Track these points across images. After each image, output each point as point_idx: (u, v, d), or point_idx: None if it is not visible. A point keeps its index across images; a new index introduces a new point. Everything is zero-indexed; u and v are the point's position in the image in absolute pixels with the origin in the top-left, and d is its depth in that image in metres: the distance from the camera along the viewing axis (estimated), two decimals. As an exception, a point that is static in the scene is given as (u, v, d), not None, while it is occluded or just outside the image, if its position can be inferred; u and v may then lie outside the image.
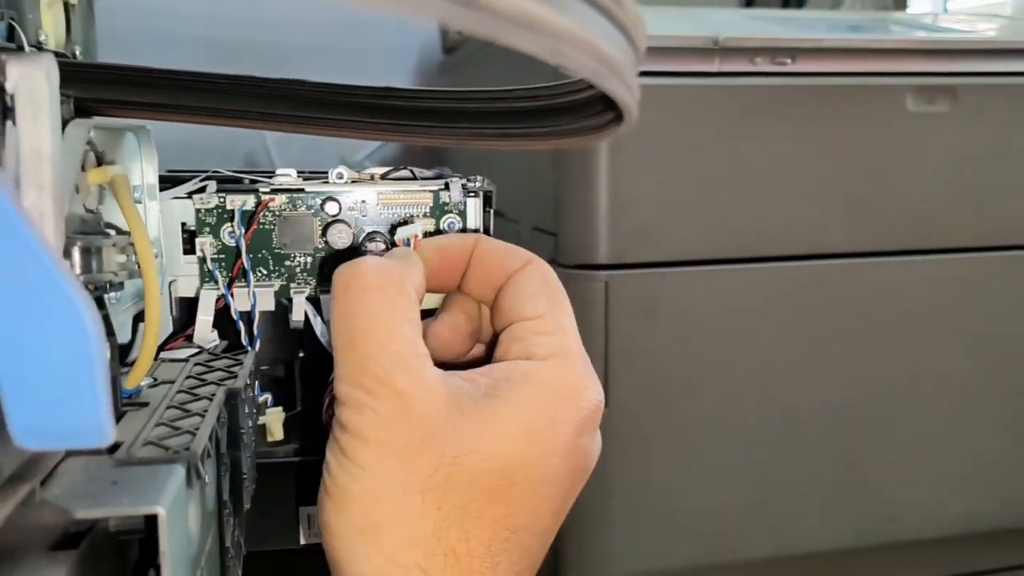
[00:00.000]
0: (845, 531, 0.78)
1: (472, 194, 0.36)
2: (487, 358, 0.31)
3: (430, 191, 0.35)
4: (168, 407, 0.27)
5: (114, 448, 0.24)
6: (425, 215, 0.35)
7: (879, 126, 0.71)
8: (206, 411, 0.27)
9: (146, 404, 0.28)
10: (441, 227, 0.36)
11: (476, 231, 0.36)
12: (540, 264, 0.31)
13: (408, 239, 0.30)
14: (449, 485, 0.26)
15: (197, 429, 0.25)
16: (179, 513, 0.22)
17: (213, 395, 0.28)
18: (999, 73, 0.73)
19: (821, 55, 0.71)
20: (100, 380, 0.16)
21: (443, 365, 0.28)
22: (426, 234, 0.33)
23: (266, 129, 0.30)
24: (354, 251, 0.35)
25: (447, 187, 0.35)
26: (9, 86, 0.22)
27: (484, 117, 0.27)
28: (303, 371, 0.39)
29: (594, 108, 0.24)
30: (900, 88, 0.71)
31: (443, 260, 0.31)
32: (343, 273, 0.27)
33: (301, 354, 0.39)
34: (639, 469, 0.72)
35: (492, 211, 0.36)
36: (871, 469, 0.77)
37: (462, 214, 0.36)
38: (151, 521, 0.22)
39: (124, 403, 0.27)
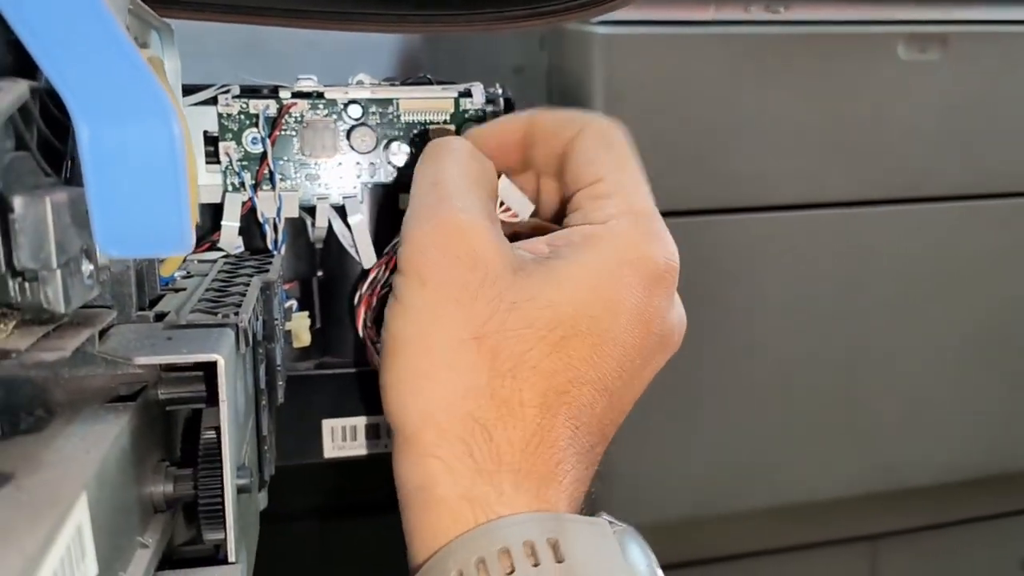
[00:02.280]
0: (841, 481, 0.79)
1: (492, 102, 0.36)
2: None
3: (451, 97, 0.35)
4: (205, 291, 0.27)
5: (160, 317, 0.24)
6: (445, 122, 0.36)
7: (871, 74, 0.72)
8: (243, 295, 0.27)
9: (183, 290, 0.28)
10: (462, 134, 0.36)
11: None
12: (599, 126, 0.30)
13: None
14: (506, 332, 0.25)
15: (238, 305, 0.25)
16: (233, 370, 0.22)
17: (247, 284, 0.28)
18: (989, 21, 0.73)
19: (815, 3, 0.71)
20: (184, 186, 0.16)
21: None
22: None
23: (290, 26, 0.30)
24: (375, 155, 0.35)
25: (468, 93, 0.35)
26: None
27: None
28: (321, 289, 0.39)
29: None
30: (892, 36, 0.72)
31: (498, 140, 0.30)
32: (434, 142, 0.29)
33: (320, 273, 0.39)
34: (637, 423, 0.72)
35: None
36: (867, 419, 0.78)
37: (482, 121, 0.36)
38: (204, 378, 0.22)
39: (161, 289, 0.27)
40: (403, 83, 0.35)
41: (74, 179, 0.22)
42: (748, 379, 0.74)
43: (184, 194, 0.16)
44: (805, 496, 0.78)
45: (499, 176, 0.30)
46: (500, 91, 0.36)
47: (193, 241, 0.17)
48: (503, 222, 0.30)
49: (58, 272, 0.18)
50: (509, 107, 0.36)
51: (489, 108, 0.36)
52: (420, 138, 0.36)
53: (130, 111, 0.16)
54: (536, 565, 0.23)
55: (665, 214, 0.75)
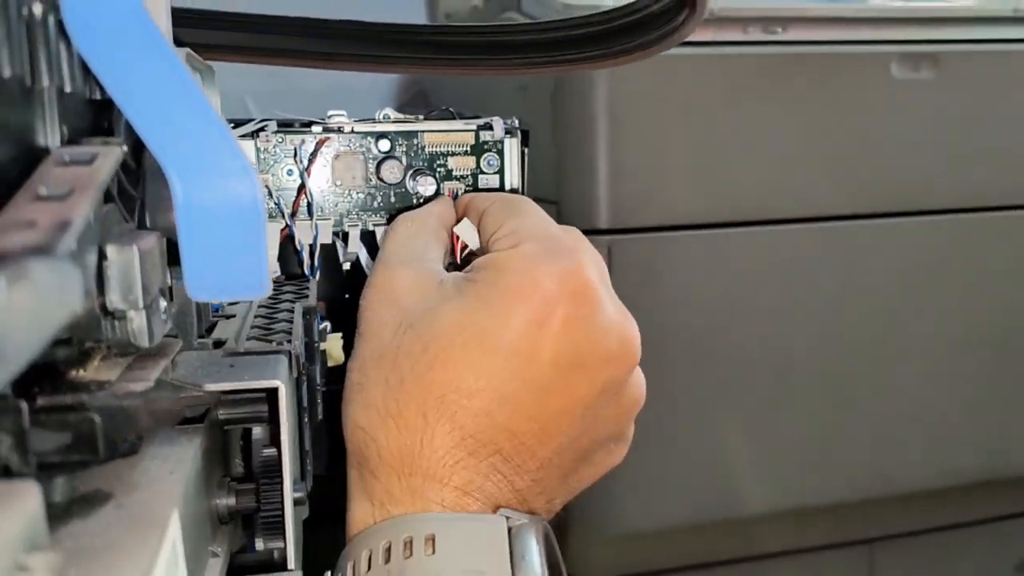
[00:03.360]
0: (839, 486, 0.81)
1: (510, 133, 0.38)
2: None
3: (471, 130, 0.37)
4: (254, 317, 0.29)
5: (218, 344, 0.26)
6: (466, 152, 0.38)
7: (866, 93, 0.75)
8: (290, 321, 0.29)
9: (233, 316, 0.30)
10: (481, 164, 0.38)
11: (513, 175, 0.39)
12: (507, 197, 0.35)
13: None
14: (399, 352, 0.29)
15: (289, 332, 0.28)
16: (291, 393, 0.24)
17: (290, 310, 0.31)
18: (980, 40, 0.76)
19: (811, 24, 0.74)
20: (264, 237, 0.18)
21: None
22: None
23: (327, 68, 0.32)
24: (402, 186, 0.37)
25: (488, 126, 0.37)
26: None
27: (573, 42, 0.30)
28: (349, 312, 0.41)
29: (669, 14, 0.27)
30: (886, 55, 0.74)
31: (456, 213, 0.36)
32: (396, 218, 0.35)
33: (347, 296, 0.41)
34: (642, 431, 0.74)
35: (526, 150, 0.39)
36: (862, 426, 0.80)
37: (500, 152, 0.38)
38: (267, 399, 0.24)
39: (213, 315, 0.29)
40: (426, 117, 0.38)
41: (144, 221, 0.24)
42: (745, 387, 0.76)
43: (264, 244, 0.18)
44: (803, 501, 0.80)
45: (459, 221, 0.35)
46: (516, 123, 0.38)
47: (271, 286, 0.19)
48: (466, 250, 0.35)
49: (144, 311, 0.20)
50: (525, 137, 0.38)
51: (507, 139, 0.38)
52: (442, 168, 0.38)
53: (217, 170, 0.18)
54: (408, 558, 0.26)
55: (669, 228, 0.77)
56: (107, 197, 0.21)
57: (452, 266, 0.35)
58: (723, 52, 0.72)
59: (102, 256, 0.19)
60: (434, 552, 0.26)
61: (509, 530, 0.27)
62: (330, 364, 0.37)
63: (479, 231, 0.34)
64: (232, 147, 0.18)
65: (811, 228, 0.76)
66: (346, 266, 0.40)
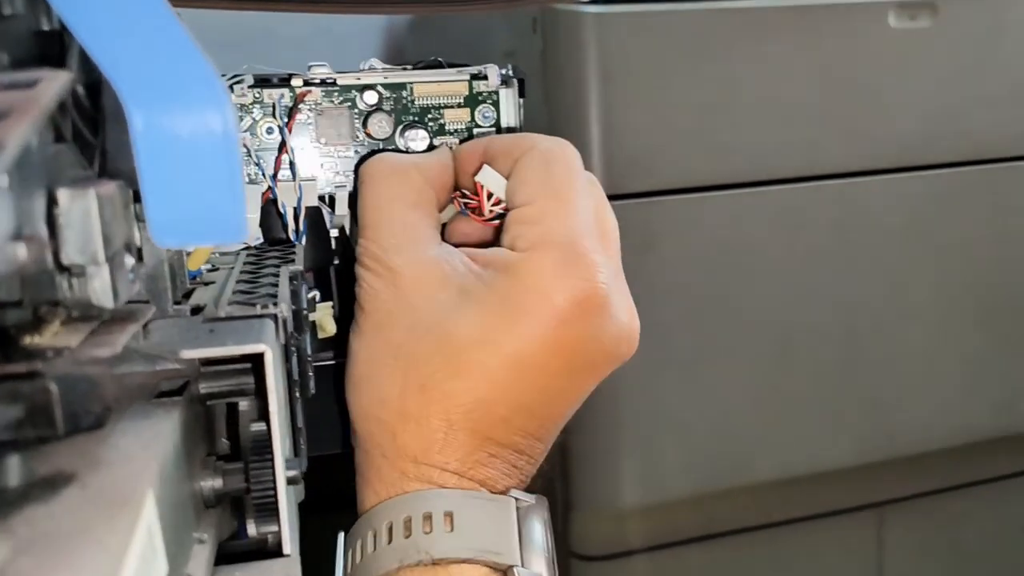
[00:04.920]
0: (846, 450, 0.79)
1: (505, 83, 0.35)
2: None
3: (464, 80, 0.35)
4: (236, 283, 0.27)
5: (197, 311, 0.24)
6: (459, 105, 0.35)
7: (863, 43, 0.72)
8: (275, 285, 0.27)
9: (212, 283, 0.27)
10: (475, 118, 0.36)
11: (510, 128, 0.36)
12: (544, 147, 0.31)
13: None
14: (416, 355, 0.29)
15: (274, 296, 0.25)
16: (278, 360, 0.22)
17: (275, 275, 0.28)
18: (978, -14, 0.74)
19: (806, -27, 0.71)
20: (239, 172, 0.16)
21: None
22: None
23: (303, 10, 0.30)
24: (391, 142, 0.35)
25: (482, 75, 0.35)
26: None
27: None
28: (339, 279, 0.38)
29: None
30: (882, 4, 0.72)
31: (459, 159, 0.33)
32: (362, 167, 0.32)
33: (336, 261, 0.38)
34: (645, 400, 0.72)
35: (523, 100, 0.36)
36: (868, 388, 0.79)
37: (496, 104, 0.36)
38: (252, 370, 0.22)
39: (191, 282, 0.27)
40: (415, 67, 0.35)
41: (105, 174, 0.22)
42: (748, 353, 0.74)
43: (239, 180, 0.16)
44: (809, 468, 0.78)
45: (480, 168, 0.32)
46: (512, 72, 0.36)
47: (248, 230, 0.16)
48: (472, 219, 0.32)
49: (106, 266, 0.17)
50: (522, 86, 0.36)
51: (503, 89, 0.36)
52: (434, 123, 0.35)
53: (184, 97, 0.15)
54: (429, 533, 0.27)
55: (665, 193, 0.75)
56: (59, 138, 0.19)
57: (479, 217, 0.32)
58: (717, 7, 0.69)
59: (52, 202, 0.17)
60: (452, 529, 0.27)
61: (517, 510, 0.29)
62: (321, 336, 0.35)
63: (508, 184, 0.31)
64: (201, 66, 0.15)
65: (810, 187, 0.74)
66: (334, 232, 0.37)
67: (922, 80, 0.74)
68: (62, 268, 0.18)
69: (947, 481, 0.85)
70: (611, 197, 0.69)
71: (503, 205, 0.31)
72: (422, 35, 0.95)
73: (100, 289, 0.18)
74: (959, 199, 0.78)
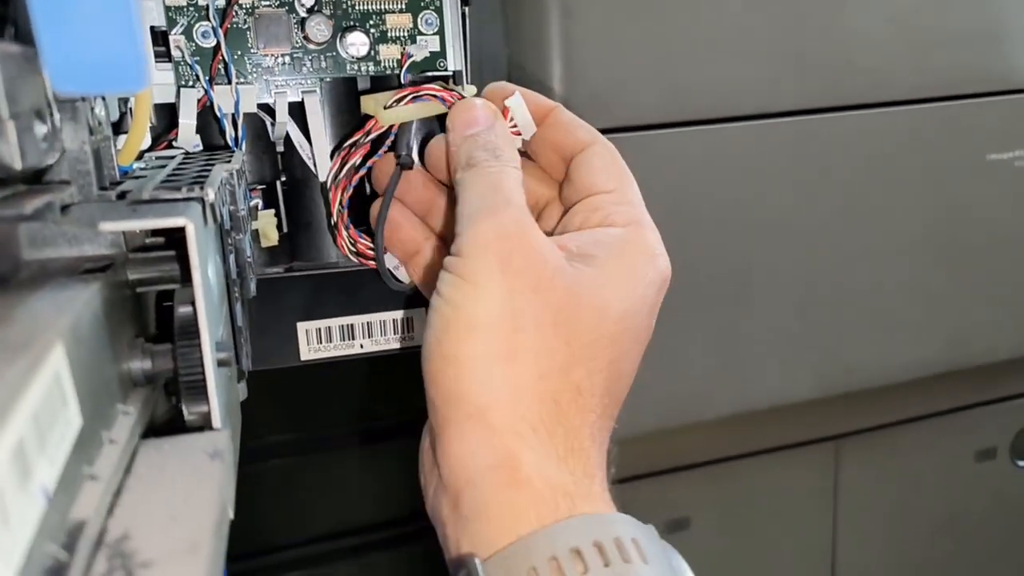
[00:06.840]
0: (804, 385, 0.80)
1: (449, -11, 0.35)
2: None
3: (406, -18, 0.34)
4: (168, 176, 0.26)
5: (123, 196, 0.23)
6: (401, 11, 0.35)
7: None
8: (204, 175, 0.26)
9: (143, 177, 0.27)
10: (418, 24, 0.35)
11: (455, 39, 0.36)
12: (607, 143, 0.33)
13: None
14: (577, 322, 0.27)
15: (202, 182, 0.25)
16: (203, 242, 0.22)
17: (208, 168, 0.28)
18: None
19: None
20: (138, 15, 0.15)
21: None
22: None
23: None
24: (332, 48, 0.34)
25: (424, -22, 0.34)
26: None
27: None
28: (286, 196, 0.38)
29: None
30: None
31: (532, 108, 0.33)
32: (471, 107, 0.32)
33: (283, 178, 0.38)
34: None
35: (468, 9, 0.36)
36: (825, 323, 0.80)
37: (439, 11, 0.35)
38: (177, 257, 0.22)
39: (120, 177, 0.26)
40: (354, -30, 0.34)
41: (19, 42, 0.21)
42: (705, 290, 0.74)
43: (138, 23, 0.15)
44: (768, 401, 0.80)
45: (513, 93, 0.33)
46: (458, -24, 0.35)
47: (149, 77, 0.16)
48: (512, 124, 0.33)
49: (11, 123, 0.17)
50: (466, -6, 0.35)
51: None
52: (376, 28, 0.35)
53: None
54: (607, 566, 0.24)
55: (620, 129, 0.74)
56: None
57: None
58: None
59: (-47, 57, 0.16)
60: (646, 562, 0.25)
61: None
62: (264, 245, 0.35)
63: (573, 171, 0.33)
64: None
65: (769, 124, 0.74)
66: (279, 147, 0.37)
67: (881, 16, 0.74)
68: (-34, 127, 0.17)
69: (902, 414, 0.87)
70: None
71: (516, 131, 0.33)
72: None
73: (6, 148, 0.17)
74: (918, 137, 0.78)
